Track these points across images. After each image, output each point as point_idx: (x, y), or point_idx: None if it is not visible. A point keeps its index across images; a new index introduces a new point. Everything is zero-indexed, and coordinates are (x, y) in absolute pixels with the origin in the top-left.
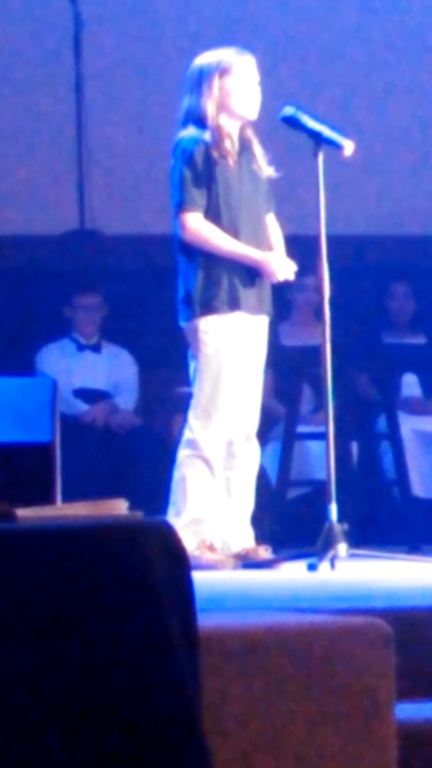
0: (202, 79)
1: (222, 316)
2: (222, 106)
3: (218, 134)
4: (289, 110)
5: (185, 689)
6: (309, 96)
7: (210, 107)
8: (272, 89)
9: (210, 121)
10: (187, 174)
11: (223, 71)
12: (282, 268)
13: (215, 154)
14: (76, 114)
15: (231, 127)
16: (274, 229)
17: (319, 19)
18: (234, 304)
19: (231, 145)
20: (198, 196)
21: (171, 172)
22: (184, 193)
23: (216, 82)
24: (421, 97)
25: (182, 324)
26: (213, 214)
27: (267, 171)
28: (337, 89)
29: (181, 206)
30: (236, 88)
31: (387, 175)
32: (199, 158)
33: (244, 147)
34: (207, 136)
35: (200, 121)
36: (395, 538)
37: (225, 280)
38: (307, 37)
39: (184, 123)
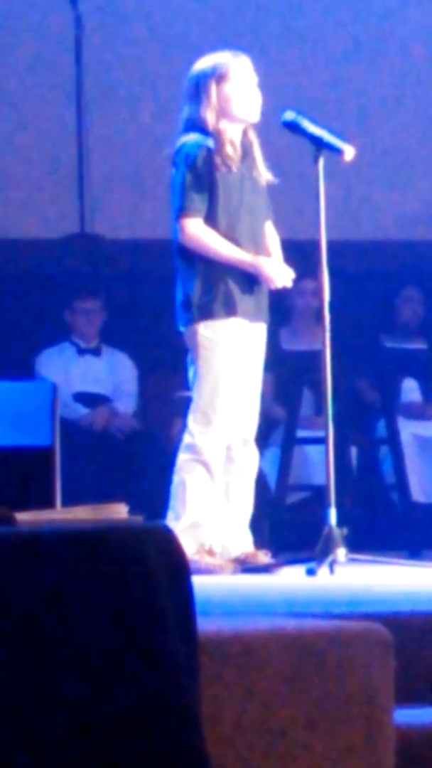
0: (199, 87)
1: (220, 321)
2: (222, 113)
3: (220, 141)
4: (289, 115)
5: (184, 693)
6: (313, 100)
7: (209, 116)
8: (274, 93)
9: (211, 129)
10: (189, 179)
11: (219, 77)
12: (279, 274)
13: (218, 160)
14: (76, 118)
15: (233, 132)
16: (272, 236)
17: (322, 24)
18: (231, 310)
19: (233, 151)
20: (199, 201)
21: (173, 177)
22: (185, 198)
23: (213, 90)
24: (427, 100)
25: (181, 329)
26: (212, 219)
27: (266, 176)
28: (343, 93)
29: (181, 211)
30: (235, 93)
31: (392, 180)
32: (201, 163)
33: (246, 152)
34: (210, 142)
35: (202, 129)
36: (394, 542)
37: (223, 285)
38: (310, 41)
39: (185, 131)
